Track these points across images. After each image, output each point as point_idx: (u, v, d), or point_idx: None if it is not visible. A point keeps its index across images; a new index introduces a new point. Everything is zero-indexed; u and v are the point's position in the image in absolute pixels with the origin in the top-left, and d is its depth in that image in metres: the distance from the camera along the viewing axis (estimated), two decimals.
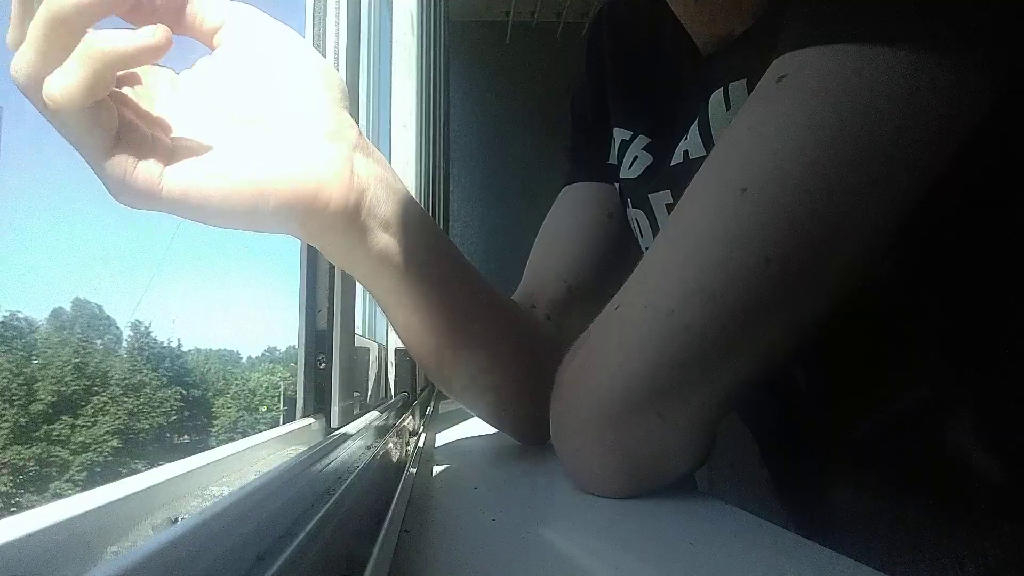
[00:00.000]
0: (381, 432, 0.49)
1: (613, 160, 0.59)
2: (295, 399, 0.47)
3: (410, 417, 0.66)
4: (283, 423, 0.45)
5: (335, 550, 0.22)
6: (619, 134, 0.58)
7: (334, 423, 0.45)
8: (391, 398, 0.85)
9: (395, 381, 0.90)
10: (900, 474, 0.44)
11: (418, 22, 1.17)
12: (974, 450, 0.40)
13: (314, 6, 0.48)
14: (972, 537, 0.40)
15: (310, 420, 0.44)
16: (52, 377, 30.93)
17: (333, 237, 0.38)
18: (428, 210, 1.28)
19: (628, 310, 0.37)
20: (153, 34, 0.28)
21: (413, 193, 1.14)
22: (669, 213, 0.51)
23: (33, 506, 0.18)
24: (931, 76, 0.31)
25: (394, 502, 0.31)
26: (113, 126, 0.30)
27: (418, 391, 1.00)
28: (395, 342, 0.99)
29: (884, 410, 0.43)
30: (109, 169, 0.30)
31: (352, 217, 0.37)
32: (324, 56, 0.48)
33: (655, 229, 0.53)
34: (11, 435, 29.09)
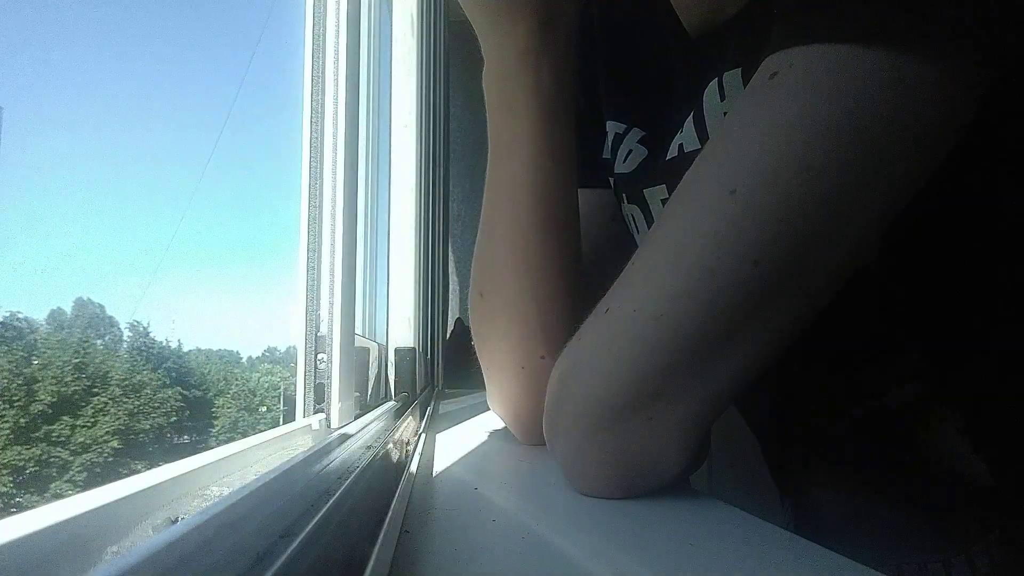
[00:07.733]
0: (381, 432, 0.49)
1: (607, 155, 0.58)
2: (295, 399, 0.47)
3: (410, 417, 0.66)
4: (283, 423, 0.45)
5: (335, 550, 0.22)
6: (612, 127, 0.57)
7: (334, 423, 0.45)
8: (391, 398, 0.85)
9: (395, 381, 0.90)
10: (885, 474, 0.43)
11: (418, 22, 1.17)
12: (962, 452, 0.39)
13: (314, 6, 0.48)
14: (961, 542, 0.40)
15: (310, 420, 0.44)
16: (52, 377, 30.89)
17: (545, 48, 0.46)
18: (428, 210, 1.28)
19: (616, 314, 0.36)
20: None
21: (413, 193, 1.14)
22: None
23: (33, 506, 0.18)
24: (923, 75, 0.30)
25: (394, 502, 0.31)
26: None
27: (418, 391, 1.00)
28: (395, 342, 0.99)
29: (868, 407, 0.42)
30: None
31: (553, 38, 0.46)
32: (324, 56, 0.48)
33: (651, 225, 0.52)
34: (11, 435, 29.06)
